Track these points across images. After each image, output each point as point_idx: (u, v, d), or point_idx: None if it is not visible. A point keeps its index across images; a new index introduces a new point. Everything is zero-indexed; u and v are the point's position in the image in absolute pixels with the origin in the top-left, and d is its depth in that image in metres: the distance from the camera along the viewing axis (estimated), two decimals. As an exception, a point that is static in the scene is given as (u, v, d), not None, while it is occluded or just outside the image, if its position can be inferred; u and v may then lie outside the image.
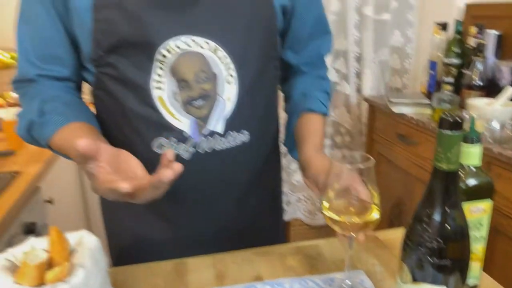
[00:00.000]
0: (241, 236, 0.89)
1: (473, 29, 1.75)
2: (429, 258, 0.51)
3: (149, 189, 0.58)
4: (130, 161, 0.62)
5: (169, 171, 0.55)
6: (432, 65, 1.89)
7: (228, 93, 0.77)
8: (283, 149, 0.99)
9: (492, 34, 1.68)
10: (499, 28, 1.70)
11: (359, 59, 2.26)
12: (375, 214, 0.63)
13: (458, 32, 1.77)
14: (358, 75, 2.29)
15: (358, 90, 2.31)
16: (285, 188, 2.38)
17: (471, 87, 1.67)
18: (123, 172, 0.60)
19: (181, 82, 0.74)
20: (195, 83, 0.75)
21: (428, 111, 1.78)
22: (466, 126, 0.56)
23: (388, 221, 2.06)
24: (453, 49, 1.77)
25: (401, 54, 2.31)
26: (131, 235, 0.89)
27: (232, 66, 0.76)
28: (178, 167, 0.56)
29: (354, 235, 0.65)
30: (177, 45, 0.73)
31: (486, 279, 0.73)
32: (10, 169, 1.35)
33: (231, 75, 0.77)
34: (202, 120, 0.77)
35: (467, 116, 1.48)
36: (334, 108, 2.31)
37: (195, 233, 0.87)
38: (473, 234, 0.65)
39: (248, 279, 0.75)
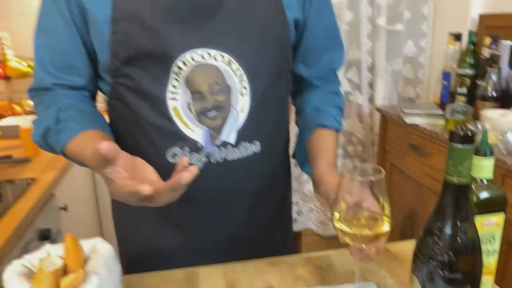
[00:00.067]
0: (252, 245, 0.90)
1: (487, 40, 1.74)
2: (440, 271, 0.51)
3: (166, 192, 0.59)
4: (145, 169, 0.64)
5: (187, 173, 0.56)
6: (446, 75, 1.88)
7: (241, 105, 0.78)
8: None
9: (506, 45, 1.67)
10: (514, 38, 1.69)
11: (371, 69, 2.26)
12: (385, 226, 0.63)
13: (471, 42, 1.76)
14: (371, 85, 2.29)
15: (371, 100, 2.31)
16: (297, 198, 2.37)
17: (485, 98, 1.66)
18: (138, 178, 0.61)
19: (196, 93, 0.76)
20: (209, 95, 0.76)
21: (441, 122, 1.76)
22: (478, 138, 0.56)
23: (400, 232, 2.04)
24: (467, 59, 1.76)
25: (415, 64, 2.30)
26: (143, 243, 0.90)
27: (245, 78, 0.77)
28: (194, 169, 0.57)
29: (365, 247, 0.65)
30: (193, 57, 0.74)
31: (499, 293, 0.73)
32: (26, 175, 1.38)
33: (245, 87, 0.78)
34: (215, 130, 0.78)
35: (480, 128, 1.46)
36: (347, 118, 2.31)
37: (206, 241, 0.88)
38: (486, 247, 0.65)
39: (259, 289, 0.75)
